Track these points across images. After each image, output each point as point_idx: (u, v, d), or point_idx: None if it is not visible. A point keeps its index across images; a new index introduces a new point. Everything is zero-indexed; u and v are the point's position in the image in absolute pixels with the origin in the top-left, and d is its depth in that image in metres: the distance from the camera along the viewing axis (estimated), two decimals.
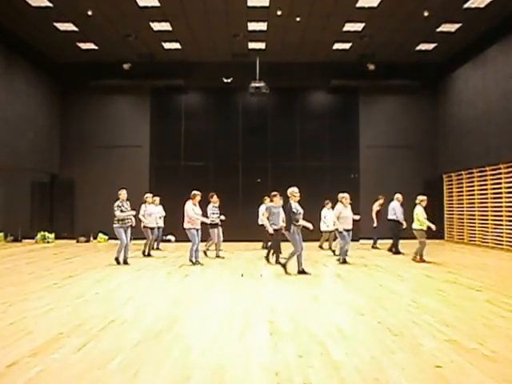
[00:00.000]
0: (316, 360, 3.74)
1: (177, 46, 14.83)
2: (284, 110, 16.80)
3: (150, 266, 9.63)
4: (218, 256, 11.02)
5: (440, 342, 4.21)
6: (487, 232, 13.65)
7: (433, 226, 9.96)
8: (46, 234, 15.23)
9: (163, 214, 12.85)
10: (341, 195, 10.17)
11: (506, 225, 12.61)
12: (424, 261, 9.94)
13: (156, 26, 13.21)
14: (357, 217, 10.70)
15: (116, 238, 9.86)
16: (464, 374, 3.45)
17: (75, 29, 13.32)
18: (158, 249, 12.86)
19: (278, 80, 15.76)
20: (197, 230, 9.77)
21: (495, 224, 13.21)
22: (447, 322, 4.95)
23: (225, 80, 16.13)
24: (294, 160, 16.57)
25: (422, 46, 14.83)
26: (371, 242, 13.58)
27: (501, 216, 12.88)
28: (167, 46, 14.84)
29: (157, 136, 16.65)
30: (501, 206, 12.91)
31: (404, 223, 11.77)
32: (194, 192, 10.00)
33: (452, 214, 16.07)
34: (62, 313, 5.35)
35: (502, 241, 12.82)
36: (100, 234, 15.65)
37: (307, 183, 15.68)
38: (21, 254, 11.77)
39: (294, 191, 8.50)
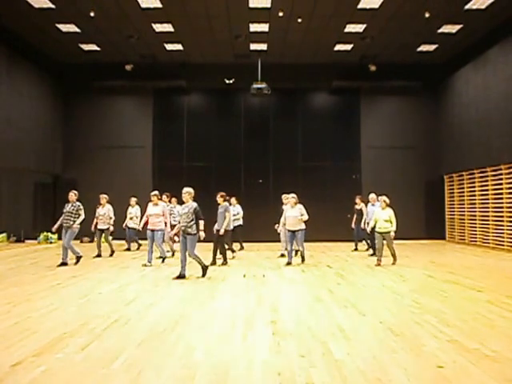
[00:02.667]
0: (318, 360, 3.76)
1: (179, 47, 14.87)
2: (286, 111, 16.82)
3: (152, 266, 9.64)
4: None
5: (442, 342, 4.23)
6: (488, 232, 13.65)
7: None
8: (49, 234, 15.26)
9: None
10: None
11: (507, 225, 12.61)
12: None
13: (158, 28, 13.25)
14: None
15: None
16: (465, 374, 3.47)
17: (77, 30, 13.37)
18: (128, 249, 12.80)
19: (279, 81, 15.80)
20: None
21: (496, 225, 13.21)
22: (449, 322, 4.97)
23: (227, 81, 16.16)
24: (295, 161, 16.60)
25: (423, 47, 14.84)
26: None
27: (502, 217, 12.89)
28: (169, 47, 14.88)
29: (159, 137, 16.69)
30: (502, 207, 12.92)
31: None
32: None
33: (453, 215, 16.07)
34: (65, 313, 5.38)
35: (503, 241, 12.82)
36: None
37: (309, 184, 15.74)
38: (24, 255, 11.81)
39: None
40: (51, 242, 15.06)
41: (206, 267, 8.23)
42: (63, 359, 3.77)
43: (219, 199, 9.90)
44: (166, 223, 10.03)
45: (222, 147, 16.61)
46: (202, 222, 7.93)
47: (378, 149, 16.61)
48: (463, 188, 15.31)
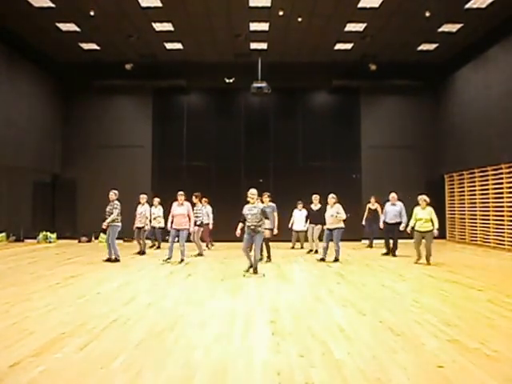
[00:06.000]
0: (318, 360, 3.74)
1: (179, 46, 14.85)
2: (286, 110, 16.81)
3: (152, 265, 9.64)
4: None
5: (442, 342, 4.21)
6: (489, 232, 13.64)
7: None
8: (48, 233, 15.24)
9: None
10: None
11: (508, 225, 12.60)
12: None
13: (158, 27, 13.23)
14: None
15: (116, 238, 10.22)
16: (466, 373, 3.46)
17: (77, 29, 13.35)
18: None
19: (279, 80, 15.77)
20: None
21: (497, 224, 13.20)
22: (449, 321, 4.95)
23: (227, 80, 16.14)
24: (295, 160, 16.59)
25: (424, 47, 14.82)
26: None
27: (502, 216, 12.87)
28: (169, 46, 14.86)
29: (159, 136, 16.68)
30: (502, 206, 12.90)
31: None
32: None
33: (453, 214, 16.05)
34: (64, 312, 5.36)
35: (503, 241, 12.81)
36: (102, 234, 15.63)
37: (309, 183, 15.70)
38: (23, 254, 11.79)
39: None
40: (50, 242, 15.05)
41: (255, 264, 8.53)
42: (62, 359, 3.76)
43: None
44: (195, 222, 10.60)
45: (222, 147, 16.59)
46: (267, 222, 8.77)
47: (378, 148, 16.59)
48: (463, 187, 15.29)
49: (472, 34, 13.67)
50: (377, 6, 11.80)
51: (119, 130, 16.68)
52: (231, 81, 16.16)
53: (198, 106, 16.91)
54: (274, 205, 10.99)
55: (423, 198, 9.91)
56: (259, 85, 14.63)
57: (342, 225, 10.22)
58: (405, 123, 16.74)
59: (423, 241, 9.71)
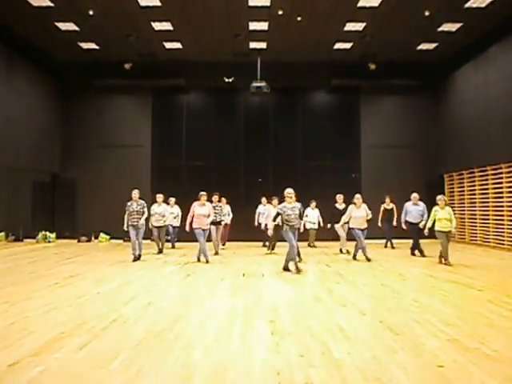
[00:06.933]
0: (317, 359, 3.74)
1: (178, 45, 14.83)
2: (285, 110, 16.80)
3: (151, 265, 9.63)
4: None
5: (442, 342, 4.21)
6: (488, 231, 13.64)
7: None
8: (48, 233, 15.24)
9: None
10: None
11: (508, 224, 12.60)
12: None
13: (157, 26, 13.22)
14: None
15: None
16: (466, 373, 3.45)
17: (76, 28, 13.32)
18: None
19: (279, 79, 15.75)
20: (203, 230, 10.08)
21: (496, 223, 13.19)
22: (449, 321, 4.95)
23: (226, 80, 16.13)
24: (295, 160, 16.58)
25: (423, 46, 14.81)
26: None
27: (502, 216, 12.87)
28: (168, 45, 14.84)
29: (158, 136, 16.66)
30: (502, 206, 12.90)
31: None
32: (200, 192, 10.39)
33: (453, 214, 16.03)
34: (63, 312, 5.35)
35: (503, 240, 12.81)
36: (101, 234, 15.67)
37: (308, 183, 15.70)
38: (22, 254, 11.78)
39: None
40: (50, 241, 15.04)
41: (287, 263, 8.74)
42: (61, 359, 3.75)
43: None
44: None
45: (222, 146, 16.58)
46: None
47: (378, 148, 16.58)
48: (463, 187, 15.29)
49: (472, 34, 13.66)
50: (376, 5, 11.79)
51: (119, 129, 16.66)
52: (230, 80, 16.15)
53: (197, 105, 16.90)
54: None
55: (442, 198, 9.84)
56: (258, 84, 14.62)
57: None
58: (404, 123, 16.73)
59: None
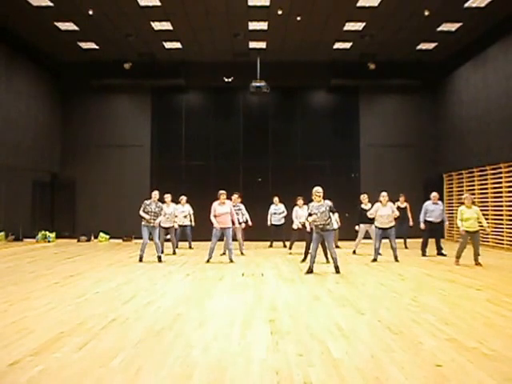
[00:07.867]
0: (316, 359, 3.75)
1: (177, 45, 14.84)
2: (284, 109, 16.81)
3: (151, 265, 9.64)
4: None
5: (440, 341, 4.22)
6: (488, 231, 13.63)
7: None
8: (47, 233, 15.24)
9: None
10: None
11: (507, 224, 12.61)
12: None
13: (157, 26, 13.22)
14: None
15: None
16: (464, 372, 3.46)
17: (76, 28, 13.33)
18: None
19: (278, 79, 15.77)
20: (221, 228, 10.07)
21: (496, 223, 13.20)
22: (447, 320, 4.96)
23: (226, 79, 16.14)
24: (294, 159, 16.58)
25: (423, 46, 14.82)
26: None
27: (501, 215, 12.88)
28: (168, 45, 14.84)
29: (158, 135, 16.67)
30: (501, 206, 12.91)
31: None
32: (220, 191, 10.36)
33: (452, 214, 16.03)
34: (63, 312, 5.37)
35: (502, 240, 12.82)
36: (101, 234, 15.67)
37: (307, 182, 15.66)
38: (22, 253, 11.79)
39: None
40: (49, 241, 15.04)
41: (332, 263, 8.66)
42: (61, 358, 3.76)
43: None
44: (233, 222, 10.45)
45: (221, 146, 16.58)
46: (334, 217, 8.80)
47: (377, 147, 16.59)
48: (462, 187, 15.29)
49: (471, 33, 13.67)
50: (376, 5, 11.80)
51: (118, 129, 16.66)
52: (230, 80, 16.15)
53: (196, 105, 16.90)
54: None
55: (469, 197, 9.62)
56: (258, 84, 14.62)
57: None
58: (404, 122, 16.74)
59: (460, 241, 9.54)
